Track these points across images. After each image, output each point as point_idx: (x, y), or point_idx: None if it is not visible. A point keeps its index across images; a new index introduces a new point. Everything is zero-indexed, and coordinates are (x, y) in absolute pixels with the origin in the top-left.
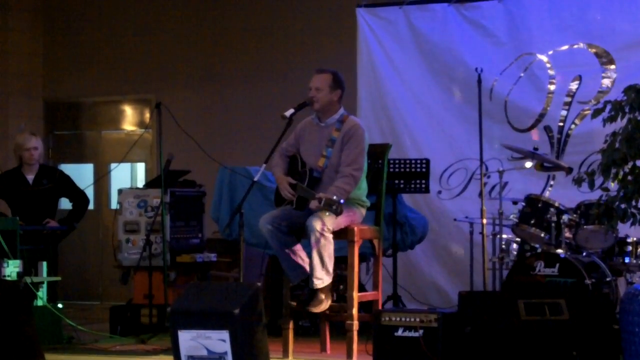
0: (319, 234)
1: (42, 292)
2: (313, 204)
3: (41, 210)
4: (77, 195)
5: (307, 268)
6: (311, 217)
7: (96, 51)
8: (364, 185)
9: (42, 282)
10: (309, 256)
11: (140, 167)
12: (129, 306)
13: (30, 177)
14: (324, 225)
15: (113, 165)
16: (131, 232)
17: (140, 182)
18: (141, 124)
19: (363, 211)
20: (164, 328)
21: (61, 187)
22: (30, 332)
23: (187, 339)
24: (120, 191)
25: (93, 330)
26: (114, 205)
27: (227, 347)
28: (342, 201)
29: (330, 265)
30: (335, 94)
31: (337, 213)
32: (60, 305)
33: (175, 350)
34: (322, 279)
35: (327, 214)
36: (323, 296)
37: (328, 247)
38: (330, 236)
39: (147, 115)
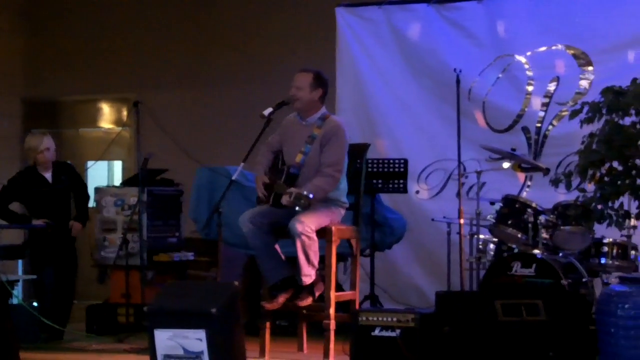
0: (303, 236)
1: (17, 291)
2: (284, 199)
3: (61, 208)
4: (82, 189)
5: (287, 268)
6: (292, 220)
7: (76, 50)
8: (343, 185)
9: (18, 281)
10: (295, 256)
11: (118, 166)
12: (105, 305)
13: (48, 176)
14: (306, 226)
15: (90, 163)
16: (108, 230)
17: (118, 181)
18: (120, 122)
19: (342, 211)
20: (141, 327)
21: (75, 182)
22: (7, 331)
23: (164, 338)
24: (97, 189)
25: (70, 330)
26: (91, 203)
27: (203, 346)
28: (310, 196)
29: (315, 261)
30: (316, 93)
31: (305, 207)
32: (35, 304)
33: (151, 349)
34: (310, 274)
35: (297, 209)
36: (313, 290)
37: (313, 246)
38: (314, 235)
39: (126, 113)
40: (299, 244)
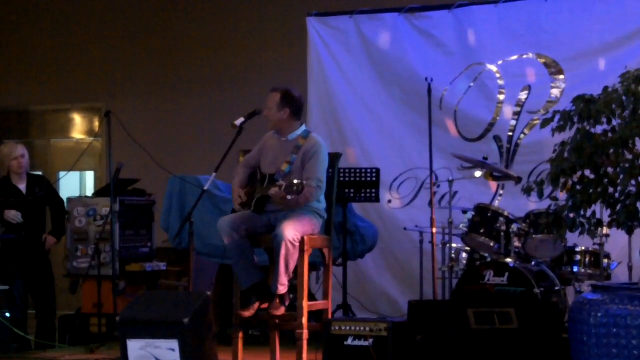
0: (289, 243)
1: None
2: (272, 190)
3: (34, 220)
4: (59, 203)
5: (259, 273)
6: (282, 225)
7: (45, 59)
8: (322, 198)
9: None
10: (275, 263)
11: (89, 176)
12: (77, 315)
13: (22, 187)
14: (294, 234)
15: (62, 173)
16: (80, 240)
17: (89, 191)
18: (91, 132)
19: (321, 222)
20: (113, 337)
21: (51, 196)
22: None
23: (136, 348)
24: (69, 199)
25: (41, 340)
26: None
27: (176, 356)
28: (304, 182)
29: (291, 270)
30: (284, 112)
31: (299, 191)
32: (7, 314)
33: (123, 359)
34: (285, 284)
35: (289, 197)
36: (284, 299)
37: (293, 255)
38: (297, 244)
39: (97, 123)
40: (282, 251)
